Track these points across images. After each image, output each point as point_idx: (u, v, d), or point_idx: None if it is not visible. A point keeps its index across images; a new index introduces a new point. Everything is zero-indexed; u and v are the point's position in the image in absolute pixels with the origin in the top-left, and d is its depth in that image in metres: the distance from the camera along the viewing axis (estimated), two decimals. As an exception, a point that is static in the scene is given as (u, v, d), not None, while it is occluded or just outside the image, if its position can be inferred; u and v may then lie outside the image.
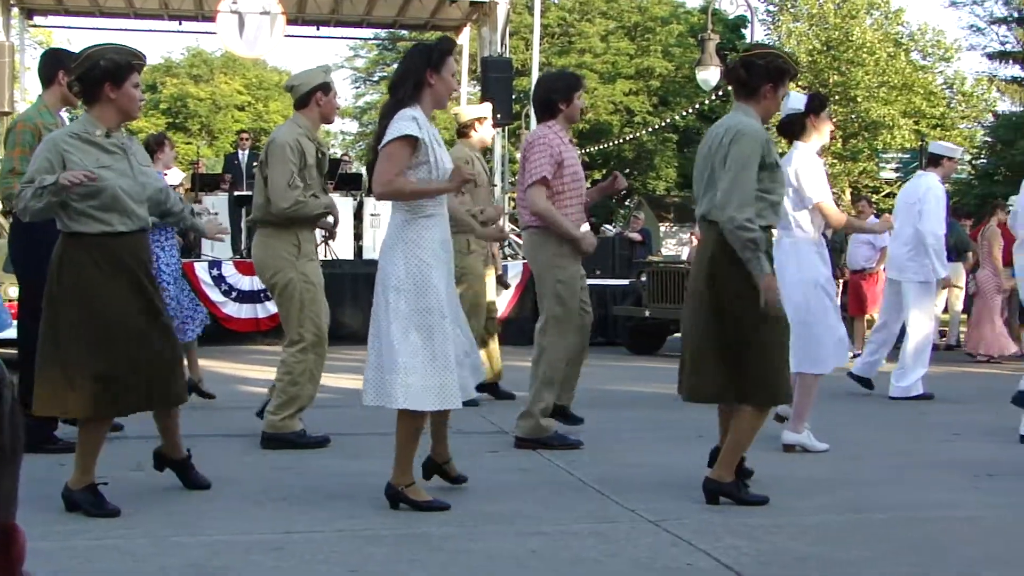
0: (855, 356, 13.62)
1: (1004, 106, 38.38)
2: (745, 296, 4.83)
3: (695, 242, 15.51)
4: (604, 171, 43.34)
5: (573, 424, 6.90)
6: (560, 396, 6.72)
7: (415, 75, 4.85)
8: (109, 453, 5.33)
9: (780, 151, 5.64)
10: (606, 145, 39.37)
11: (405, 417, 4.78)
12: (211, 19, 19.84)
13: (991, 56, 39.52)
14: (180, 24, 22.04)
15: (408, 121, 4.73)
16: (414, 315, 4.69)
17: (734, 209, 4.76)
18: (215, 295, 14.14)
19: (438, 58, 4.87)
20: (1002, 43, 39.60)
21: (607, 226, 25.84)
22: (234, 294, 14.24)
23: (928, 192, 9.19)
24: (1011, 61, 38.85)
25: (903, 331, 9.48)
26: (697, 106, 33.33)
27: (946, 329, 15.96)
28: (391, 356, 4.69)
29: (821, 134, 6.76)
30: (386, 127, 4.80)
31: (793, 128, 6.66)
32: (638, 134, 39.15)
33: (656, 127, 38.14)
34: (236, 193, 16.21)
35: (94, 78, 4.74)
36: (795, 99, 6.59)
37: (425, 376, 4.68)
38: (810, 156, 6.62)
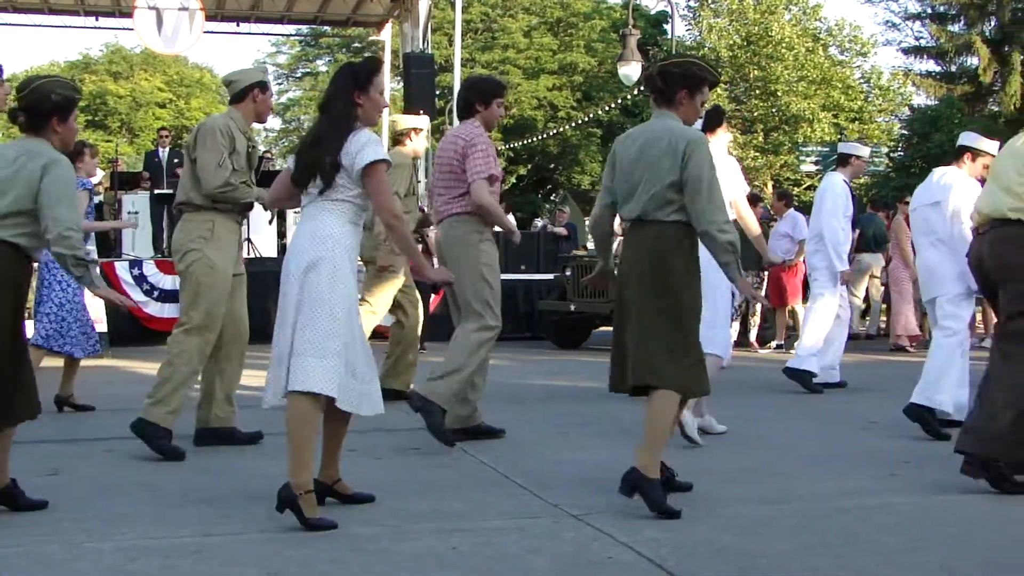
0: (778, 346, 13.87)
1: (920, 100, 38.99)
2: (683, 290, 4.90)
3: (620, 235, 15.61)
4: (529, 166, 43.50)
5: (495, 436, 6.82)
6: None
7: (343, 97, 4.82)
8: (22, 458, 5.26)
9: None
10: (530, 140, 39.40)
11: (300, 402, 4.61)
12: (128, 15, 19.55)
13: (906, 51, 40.15)
14: (97, 20, 21.71)
15: (379, 144, 4.74)
16: (349, 310, 4.62)
17: (721, 212, 4.89)
18: (137, 295, 13.94)
19: (364, 79, 4.83)
20: (917, 38, 40.26)
21: (539, 221, 25.91)
22: (156, 293, 14.06)
23: (828, 189, 9.57)
24: (926, 56, 39.49)
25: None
26: (620, 101, 33.49)
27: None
28: (330, 342, 4.57)
29: (718, 141, 6.99)
30: (333, 146, 4.67)
31: None
32: (562, 129, 39.24)
33: (580, 122, 38.25)
34: (156, 191, 16.03)
35: (44, 111, 4.89)
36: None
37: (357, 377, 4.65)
38: (721, 158, 6.81)
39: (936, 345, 7.23)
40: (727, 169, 6.85)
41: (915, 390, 7.09)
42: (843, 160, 9.75)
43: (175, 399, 6.21)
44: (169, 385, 6.20)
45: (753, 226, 7.45)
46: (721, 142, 7.08)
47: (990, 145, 7.44)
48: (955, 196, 7.18)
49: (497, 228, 6.96)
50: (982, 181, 6.86)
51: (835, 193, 9.44)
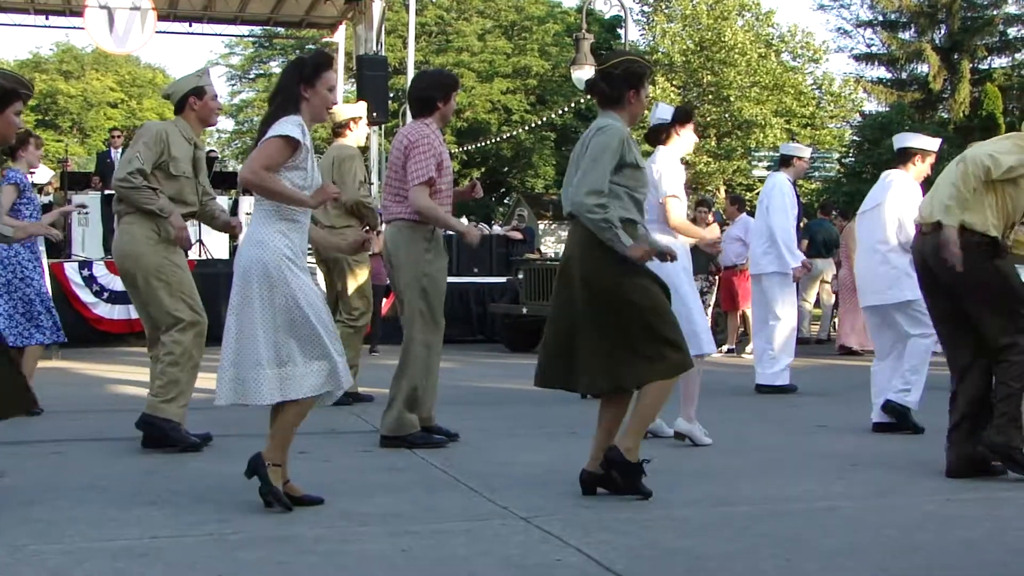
0: (730, 351, 13.96)
1: (871, 106, 39.50)
2: (621, 281, 4.93)
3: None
4: (483, 169, 43.53)
5: (450, 439, 6.73)
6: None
7: (288, 89, 4.82)
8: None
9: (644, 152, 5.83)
10: (484, 143, 39.44)
11: (291, 406, 4.71)
12: (79, 14, 19.37)
13: (858, 58, 40.66)
14: (47, 19, 21.49)
15: (294, 125, 4.70)
16: (283, 309, 4.62)
17: (583, 195, 4.93)
18: (86, 296, 13.84)
19: (311, 72, 4.81)
20: (868, 45, 40.76)
21: (484, 224, 25.88)
22: (106, 295, 13.96)
23: (774, 188, 9.64)
24: (877, 63, 39.99)
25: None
26: (574, 105, 33.59)
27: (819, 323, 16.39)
28: (267, 350, 4.62)
29: (684, 142, 7.10)
30: (258, 141, 4.76)
31: (659, 136, 7.03)
32: (516, 132, 39.33)
33: (534, 125, 38.34)
34: (107, 192, 15.89)
35: None
36: (663, 110, 7.02)
37: (303, 364, 4.64)
38: (672, 158, 6.90)
39: (913, 345, 7.26)
40: (674, 168, 6.86)
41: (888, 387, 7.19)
42: (785, 161, 9.87)
43: (186, 396, 6.36)
44: (180, 385, 6.31)
45: (681, 225, 7.35)
46: (687, 141, 7.10)
47: (935, 143, 7.56)
48: (894, 201, 7.29)
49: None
50: (926, 184, 6.95)
51: (782, 192, 9.55)
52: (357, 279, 8.42)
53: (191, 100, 6.48)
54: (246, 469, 4.73)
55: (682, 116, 7.03)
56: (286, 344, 4.63)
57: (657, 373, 4.99)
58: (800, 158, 9.85)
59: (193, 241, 6.90)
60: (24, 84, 5.04)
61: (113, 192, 6.40)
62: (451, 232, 6.86)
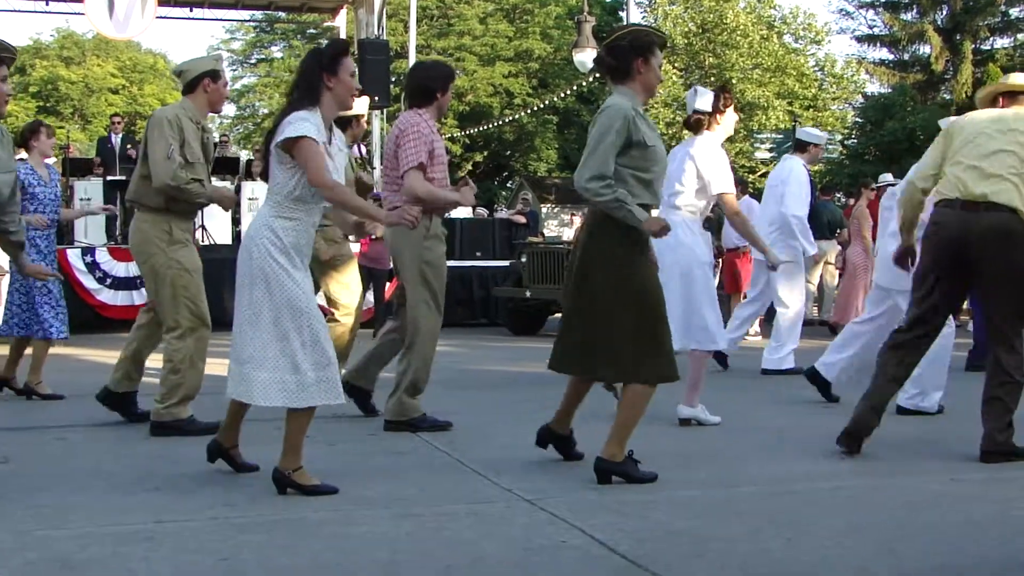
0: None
1: (873, 88, 39.44)
2: (612, 273, 4.90)
3: (576, 223, 15.70)
4: (485, 153, 43.47)
5: (369, 414, 6.97)
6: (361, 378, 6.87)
7: (307, 78, 4.79)
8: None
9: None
10: (486, 127, 39.37)
11: (295, 411, 4.74)
12: (79, -1, 19.34)
13: (860, 39, 40.59)
14: (47, 4, 21.45)
15: (304, 122, 4.65)
16: (286, 306, 4.62)
17: (586, 180, 4.87)
18: (89, 282, 13.84)
19: (329, 60, 4.79)
20: (870, 27, 40.69)
21: (483, 210, 25.90)
22: (109, 281, 13.96)
23: (791, 175, 9.53)
24: (879, 44, 39.93)
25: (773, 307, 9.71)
26: (576, 88, 33.52)
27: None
28: (273, 354, 4.64)
29: (725, 126, 7.02)
30: (272, 134, 4.73)
31: (700, 123, 6.94)
32: (518, 116, 39.24)
33: (536, 109, 38.26)
34: (109, 178, 15.91)
35: None
36: (703, 100, 6.92)
37: (307, 372, 4.64)
38: (713, 147, 6.81)
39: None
40: (720, 162, 6.77)
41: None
42: (801, 146, 9.82)
43: (191, 393, 6.39)
44: (181, 391, 6.33)
45: (743, 218, 7.20)
46: (728, 123, 7.02)
47: None
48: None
49: (454, 213, 6.93)
50: None
51: (799, 180, 9.49)
52: (340, 274, 8.37)
53: (205, 82, 6.42)
54: (277, 489, 4.79)
55: (721, 103, 6.94)
56: (289, 347, 4.63)
57: (640, 377, 4.95)
58: (816, 145, 9.84)
59: (196, 226, 6.88)
60: (6, 48, 4.89)
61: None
62: (452, 215, 6.88)
